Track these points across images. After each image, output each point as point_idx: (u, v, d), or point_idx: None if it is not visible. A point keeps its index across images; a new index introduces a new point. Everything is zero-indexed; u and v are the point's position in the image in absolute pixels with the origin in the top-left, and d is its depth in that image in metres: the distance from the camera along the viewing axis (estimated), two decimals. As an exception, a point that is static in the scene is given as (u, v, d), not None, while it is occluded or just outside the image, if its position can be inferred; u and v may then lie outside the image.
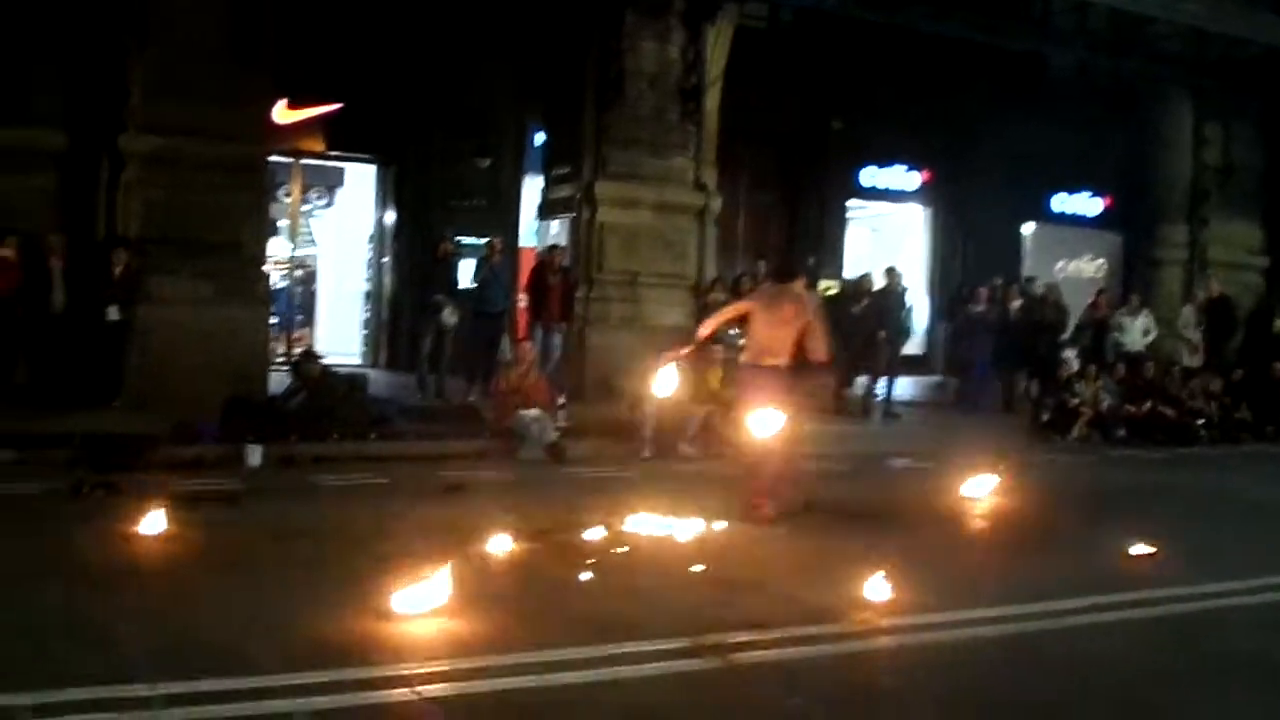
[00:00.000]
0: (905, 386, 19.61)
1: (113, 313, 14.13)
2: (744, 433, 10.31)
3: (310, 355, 14.94)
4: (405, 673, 5.70)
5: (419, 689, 5.50)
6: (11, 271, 13.74)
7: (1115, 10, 20.70)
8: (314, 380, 13.99)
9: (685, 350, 11.13)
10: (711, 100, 18.50)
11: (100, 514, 9.02)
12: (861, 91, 23.07)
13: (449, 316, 16.64)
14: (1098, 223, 27.67)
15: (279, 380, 15.48)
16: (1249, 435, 18.46)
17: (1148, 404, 17.78)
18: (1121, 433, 17.38)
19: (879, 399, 18.32)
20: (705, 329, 11.18)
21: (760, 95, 20.98)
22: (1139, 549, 9.05)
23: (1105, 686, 6.11)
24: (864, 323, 17.94)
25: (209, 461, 11.83)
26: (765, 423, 9.92)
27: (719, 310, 11.64)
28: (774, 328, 10.13)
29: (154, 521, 8.43)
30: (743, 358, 10.49)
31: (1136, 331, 20.41)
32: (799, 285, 10.67)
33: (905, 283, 19.39)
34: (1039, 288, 20.82)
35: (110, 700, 5.18)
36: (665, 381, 10.94)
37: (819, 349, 10.25)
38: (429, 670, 5.75)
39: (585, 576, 7.67)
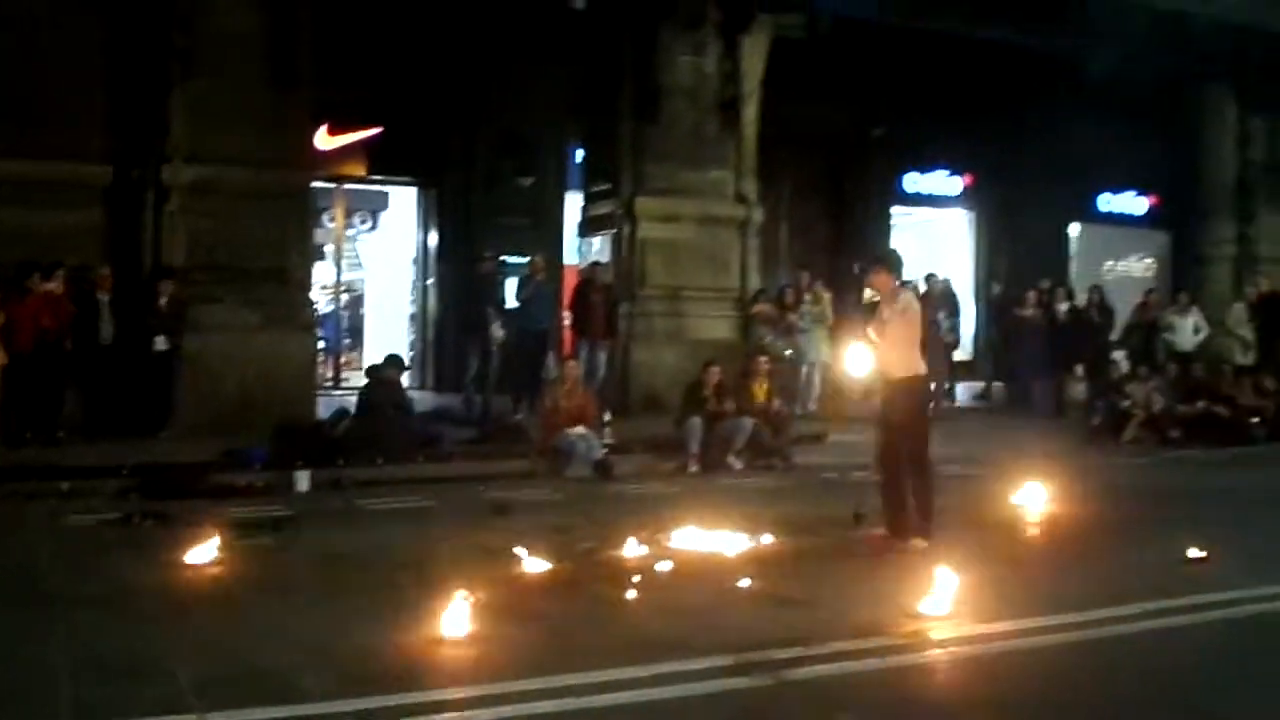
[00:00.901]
0: (956, 392, 19.47)
1: (160, 343, 14.29)
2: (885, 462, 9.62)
3: (394, 361, 14.97)
4: (453, 697, 5.69)
5: (467, 713, 5.48)
6: (60, 305, 13.86)
7: (1153, 8, 20.53)
8: (390, 385, 14.21)
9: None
10: (750, 112, 18.50)
11: (151, 543, 9.06)
12: (902, 97, 23.02)
13: (497, 331, 16.67)
14: (1144, 221, 27.49)
15: (328, 404, 15.57)
16: (1306, 433, 18.18)
17: (1201, 404, 17.55)
18: (1175, 434, 17.14)
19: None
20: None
21: (800, 104, 20.94)
22: (1199, 552, 8.90)
23: (1168, 693, 6.01)
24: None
25: (258, 488, 11.87)
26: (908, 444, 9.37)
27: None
28: (880, 336, 9.48)
29: (204, 550, 8.45)
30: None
31: (1187, 330, 20.22)
32: (881, 280, 9.77)
33: (949, 287, 19.24)
34: (1080, 294, 20.63)
35: (161, 731, 5.20)
36: (859, 360, 9.93)
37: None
38: (477, 694, 5.73)
39: (632, 595, 7.64)
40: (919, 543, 9.03)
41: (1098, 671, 6.37)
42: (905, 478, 9.33)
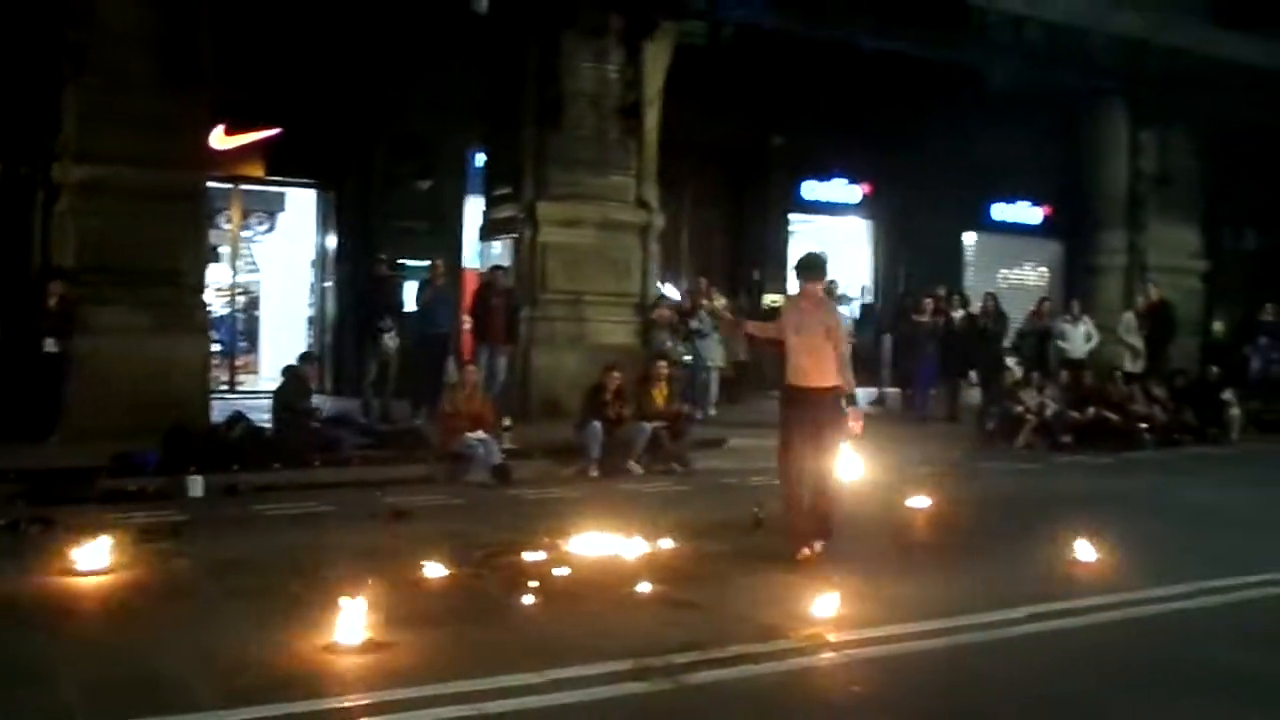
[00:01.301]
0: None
1: (49, 345, 13.96)
2: (787, 467, 9.26)
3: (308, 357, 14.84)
4: (349, 704, 5.64)
5: (363, 721, 5.44)
6: (-56, 306, 13.54)
7: (1051, 23, 20.94)
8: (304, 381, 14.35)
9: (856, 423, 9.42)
10: (651, 118, 18.54)
11: (39, 550, 8.85)
12: (802, 106, 23.25)
13: (389, 341, 16.58)
14: (1038, 231, 27.99)
15: (223, 408, 15.35)
16: (1191, 438, 18.64)
17: (1092, 410, 17.91)
18: (1067, 439, 17.48)
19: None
20: (752, 328, 10.55)
21: (701, 112, 21.02)
22: (1086, 556, 9.09)
23: (1054, 695, 6.12)
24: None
25: (150, 494, 11.66)
26: (820, 454, 9.08)
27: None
28: (813, 344, 9.12)
29: (94, 556, 8.29)
30: (787, 379, 9.29)
31: (1079, 338, 20.62)
32: (816, 287, 9.46)
33: (843, 292, 19.44)
34: (975, 301, 20.97)
35: (46, 742, 5.09)
36: (852, 466, 9.68)
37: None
38: (373, 701, 5.69)
39: (531, 600, 7.62)
40: (817, 546, 8.97)
41: (985, 673, 6.48)
42: (803, 483, 9.17)
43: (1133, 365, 20.66)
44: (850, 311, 20.11)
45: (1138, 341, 21.38)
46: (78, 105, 14.42)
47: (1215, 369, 20.32)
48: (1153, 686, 6.33)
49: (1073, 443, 17.44)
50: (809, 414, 9.09)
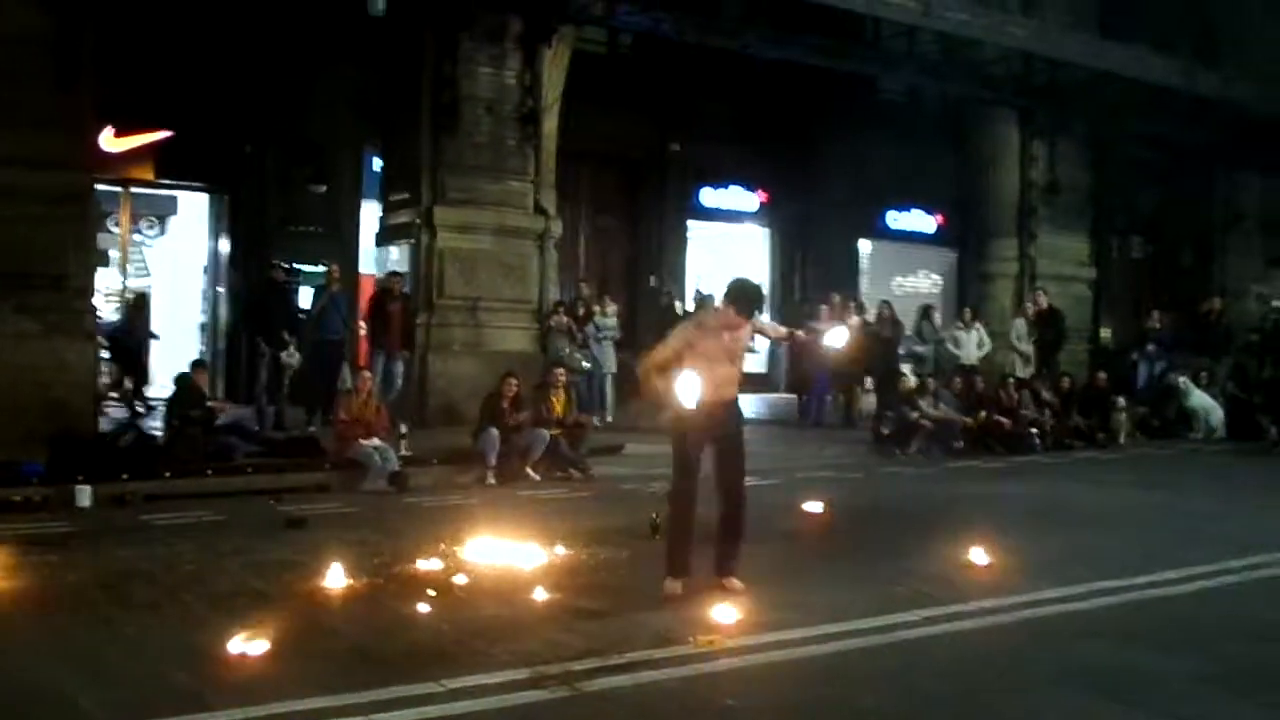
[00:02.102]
0: (748, 404, 19.74)
1: (-72, 350, 13.59)
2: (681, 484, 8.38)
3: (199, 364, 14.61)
4: (241, 717, 5.54)
5: (255, 734, 5.35)
6: None
7: (943, 34, 21.24)
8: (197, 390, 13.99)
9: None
10: (549, 124, 18.52)
11: (-83, 562, 8.62)
12: (699, 113, 23.40)
13: (288, 358, 16.38)
14: (932, 239, 28.38)
15: (111, 416, 15.05)
16: (1081, 443, 19.01)
17: (983, 414, 18.18)
18: (959, 444, 17.74)
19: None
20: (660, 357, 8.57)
21: (599, 118, 21.07)
22: (974, 559, 9.23)
23: (941, 696, 6.18)
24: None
25: (36, 503, 11.40)
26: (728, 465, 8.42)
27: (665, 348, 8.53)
28: (725, 359, 8.37)
29: (-25, 568, 8.10)
30: (698, 398, 8.09)
31: (971, 345, 20.94)
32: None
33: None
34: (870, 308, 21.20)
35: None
36: (689, 388, 8.37)
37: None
38: (266, 714, 5.59)
39: (427, 608, 7.56)
40: (736, 583, 8.15)
41: (879, 675, 6.54)
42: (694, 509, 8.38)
43: (1023, 371, 21.00)
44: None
45: (1028, 348, 21.74)
46: (-42, 105, 14.06)
47: (1103, 375, 20.76)
48: (1040, 684, 6.43)
49: (965, 447, 17.71)
50: (719, 429, 8.40)
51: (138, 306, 19.12)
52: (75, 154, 14.82)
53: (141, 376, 18.32)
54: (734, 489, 8.38)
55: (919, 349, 21.09)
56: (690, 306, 21.17)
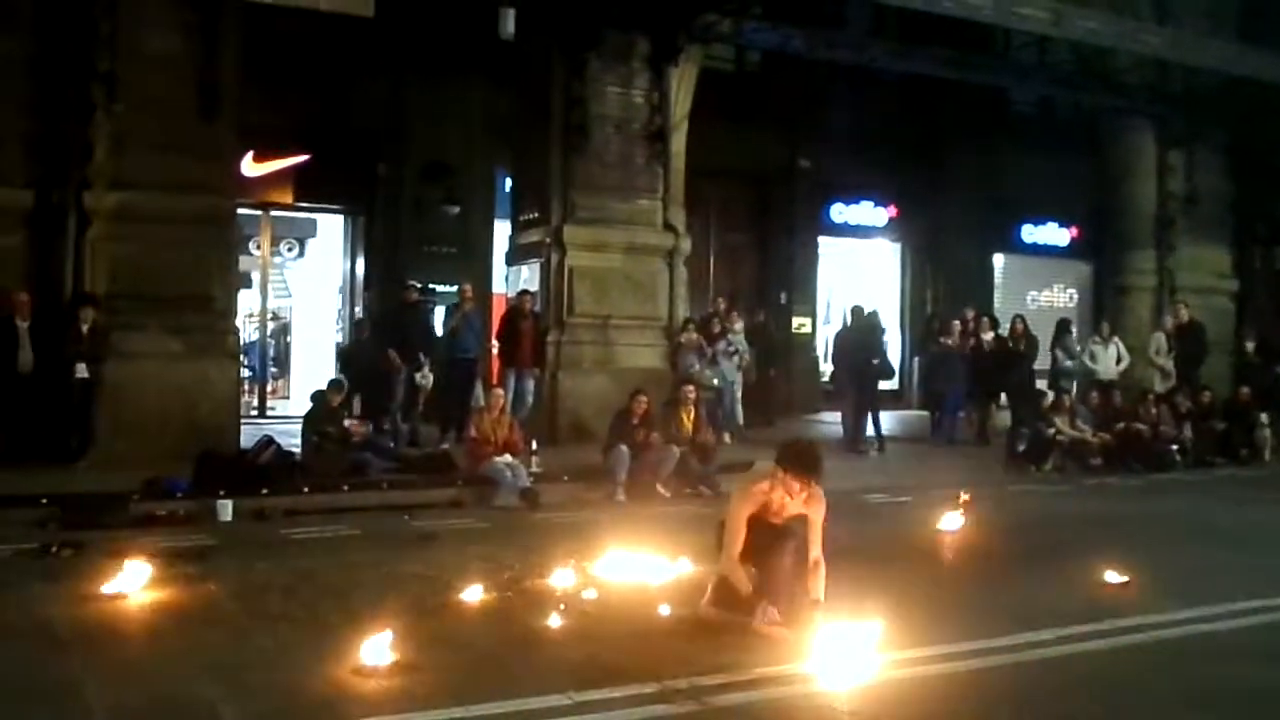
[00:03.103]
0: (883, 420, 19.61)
1: (81, 370, 14.07)
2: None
3: (335, 385, 14.98)
4: (376, 727, 5.65)
5: (389, 743, 5.45)
6: (-23, 332, 13.66)
7: (1075, 44, 20.90)
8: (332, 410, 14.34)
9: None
10: (678, 142, 18.59)
11: (69, 574, 8.91)
12: (828, 128, 23.32)
13: (422, 380, 16.65)
14: (1067, 252, 27.95)
15: (252, 433, 15.41)
16: (1224, 460, 18.53)
17: (1120, 426, 17.79)
18: (1096, 461, 17.40)
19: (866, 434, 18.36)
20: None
21: (728, 135, 21.13)
22: (1115, 578, 9.05)
23: (1076, 714, 6.08)
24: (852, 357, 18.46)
25: (180, 518, 11.72)
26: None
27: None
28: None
29: (123, 580, 8.33)
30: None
31: (1109, 359, 20.52)
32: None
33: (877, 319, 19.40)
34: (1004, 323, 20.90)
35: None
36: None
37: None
38: (400, 724, 5.70)
39: (558, 623, 7.62)
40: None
41: (1012, 694, 6.45)
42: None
43: (1162, 386, 20.54)
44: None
45: (1168, 362, 21.28)
46: (109, 132, 14.58)
47: (1246, 390, 20.18)
48: (1177, 706, 6.29)
49: (1102, 465, 17.36)
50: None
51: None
52: (218, 179, 15.31)
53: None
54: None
55: (1068, 364, 20.64)
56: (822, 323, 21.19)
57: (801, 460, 7.63)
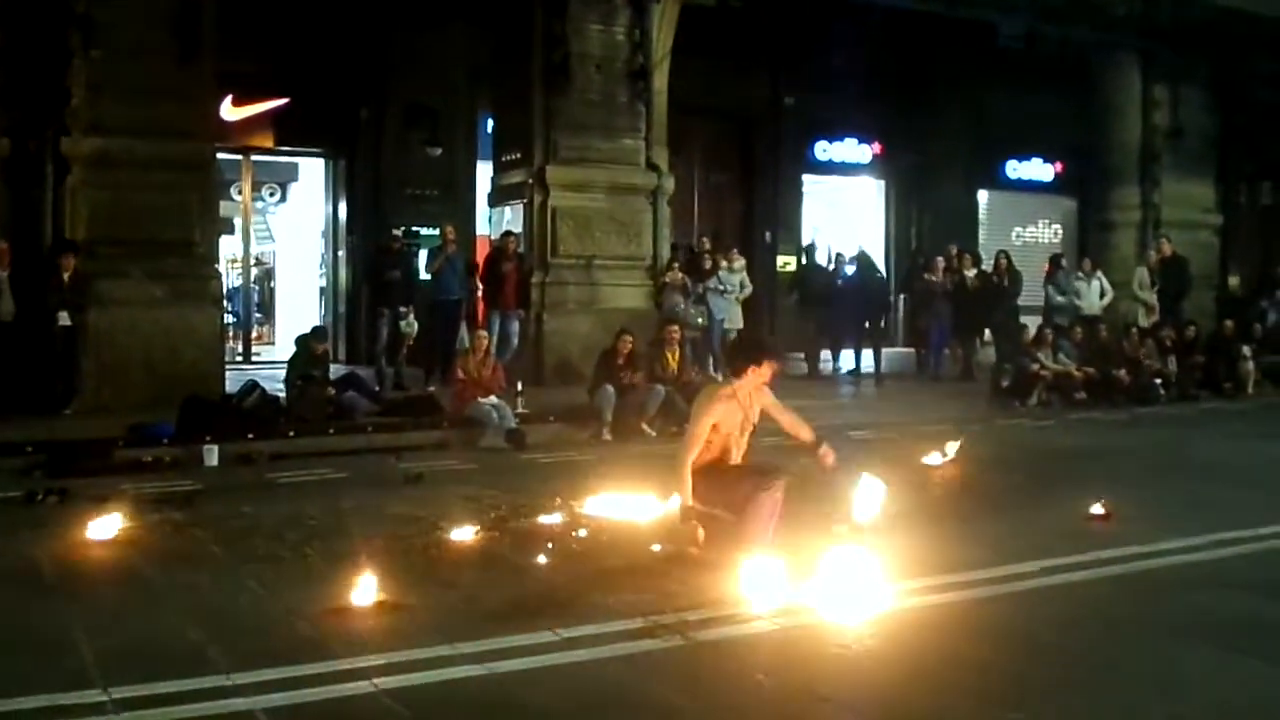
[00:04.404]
0: (865, 358, 19.65)
1: (63, 318, 14.01)
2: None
3: (318, 333, 14.99)
4: (363, 665, 5.66)
5: (377, 681, 5.46)
6: (-43, 281, 13.57)
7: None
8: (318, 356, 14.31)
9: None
10: (660, 80, 18.48)
11: (55, 521, 8.90)
12: (812, 66, 23.17)
13: (407, 328, 16.64)
14: (1052, 188, 27.92)
15: (237, 379, 15.40)
16: (1207, 393, 18.61)
17: (1105, 365, 17.85)
18: (1081, 395, 17.46)
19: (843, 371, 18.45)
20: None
21: (710, 73, 21.00)
22: (1093, 511, 9.11)
23: (1062, 648, 6.13)
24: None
25: (166, 463, 11.71)
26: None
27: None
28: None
29: (110, 525, 8.34)
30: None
31: (1092, 294, 20.54)
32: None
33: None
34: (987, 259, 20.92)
35: (64, 707, 5.12)
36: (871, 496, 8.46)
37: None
38: (387, 662, 5.71)
39: (542, 561, 7.66)
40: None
41: (997, 628, 6.48)
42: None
43: (1146, 321, 20.59)
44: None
45: (1151, 296, 21.31)
46: (86, 78, 14.43)
47: (1230, 323, 20.25)
48: (1163, 636, 6.34)
49: (1087, 399, 17.42)
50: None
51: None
52: (197, 123, 15.19)
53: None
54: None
55: (1059, 299, 20.61)
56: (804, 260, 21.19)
57: (746, 348, 8.22)
